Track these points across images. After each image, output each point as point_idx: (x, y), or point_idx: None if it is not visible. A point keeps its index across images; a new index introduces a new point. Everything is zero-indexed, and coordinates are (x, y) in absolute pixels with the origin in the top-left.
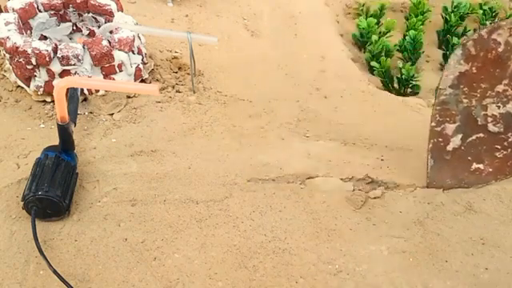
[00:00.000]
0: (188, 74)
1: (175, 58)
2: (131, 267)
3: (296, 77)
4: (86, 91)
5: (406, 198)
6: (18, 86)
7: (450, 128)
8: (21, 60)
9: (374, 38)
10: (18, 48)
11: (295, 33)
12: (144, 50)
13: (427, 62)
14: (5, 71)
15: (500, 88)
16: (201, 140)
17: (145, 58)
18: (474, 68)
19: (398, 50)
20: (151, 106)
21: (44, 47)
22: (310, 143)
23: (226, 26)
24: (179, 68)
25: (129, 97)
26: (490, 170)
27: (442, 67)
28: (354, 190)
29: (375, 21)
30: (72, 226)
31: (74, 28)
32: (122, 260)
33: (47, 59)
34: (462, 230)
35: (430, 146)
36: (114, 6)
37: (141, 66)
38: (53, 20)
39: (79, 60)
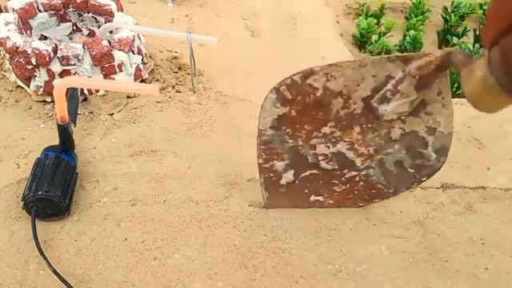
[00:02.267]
0: (188, 73)
1: (175, 57)
2: (131, 267)
3: None
4: (85, 91)
5: (405, 198)
6: (18, 86)
7: (279, 165)
8: (21, 60)
9: (374, 37)
10: (17, 48)
11: (295, 33)
12: (144, 50)
13: None
14: (5, 71)
15: (327, 130)
16: (201, 140)
17: (145, 58)
18: (293, 111)
19: (398, 49)
20: (151, 106)
21: (44, 47)
22: None
23: (226, 26)
24: (179, 68)
25: (129, 97)
26: (331, 201)
27: None
28: None
29: (375, 21)
30: (72, 225)
31: (74, 28)
32: (122, 260)
33: (47, 59)
34: (461, 230)
35: (262, 180)
36: (113, 6)
37: (141, 66)
38: (53, 20)
39: (79, 60)
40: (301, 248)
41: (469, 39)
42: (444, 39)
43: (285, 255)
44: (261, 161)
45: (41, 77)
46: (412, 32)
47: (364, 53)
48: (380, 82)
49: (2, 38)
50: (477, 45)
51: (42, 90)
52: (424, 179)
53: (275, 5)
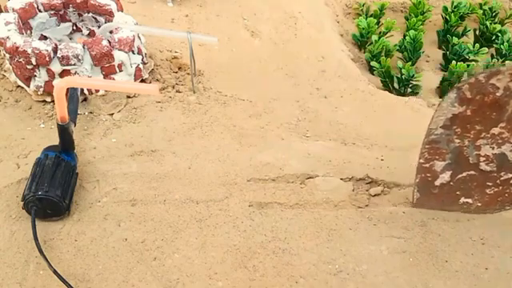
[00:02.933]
0: (188, 73)
1: (175, 57)
2: (131, 267)
3: (296, 77)
4: (85, 91)
5: (405, 198)
6: (18, 86)
7: (439, 165)
8: (21, 60)
9: (374, 37)
10: (17, 48)
11: (295, 33)
12: (144, 50)
13: (427, 61)
14: (5, 71)
15: (496, 130)
16: (201, 140)
17: (145, 58)
18: (468, 110)
19: (397, 49)
20: (151, 106)
21: (44, 47)
22: (310, 143)
23: (226, 25)
24: (179, 68)
25: (129, 97)
26: (479, 204)
27: (442, 67)
28: (353, 190)
29: (375, 21)
30: (72, 226)
31: (74, 28)
32: (122, 260)
33: (47, 59)
34: (462, 230)
35: (417, 180)
36: (114, 6)
37: (141, 66)
38: (53, 20)
39: (79, 60)
40: (301, 248)
41: (469, 39)
42: (444, 39)
43: (285, 255)
44: (422, 160)
45: (41, 77)
46: (412, 32)
47: (364, 53)
48: None
49: (2, 38)
50: (477, 45)
51: (41, 89)
52: None
53: (275, 5)
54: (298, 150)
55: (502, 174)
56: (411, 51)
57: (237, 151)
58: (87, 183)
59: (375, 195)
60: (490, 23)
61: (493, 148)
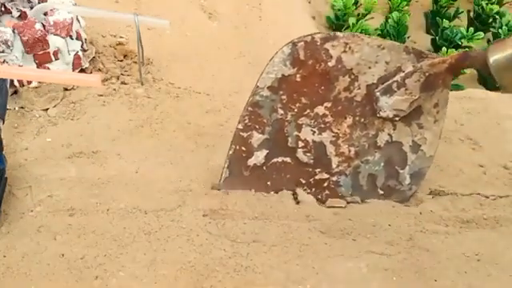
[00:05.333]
0: (135, 62)
1: (120, 44)
2: (69, 287)
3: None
4: (16, 82)
5: (391, 206)
6: None
7: (256, 138)
8: None
9: (352, 20)
10: None
11: (259, 15)
12: (84, 35)
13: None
14: None
15: (320, 110)
16: (150, 139)
17: (85, 45)
18: (298, 75)
19: (379, 34)
20: (92, 100)
21: None
22: None
23: (179, 6)
24: (125, 56)
25: (66, 89)
26: None
27: None
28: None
29: (353, 1)
30: (0, 239)
31: (3, 9)
32: (59, 279)
33: None
34: (453, 244)
35: (231, 152)
36: None
37: (80, 54)
38: None
39: (8, 46)
40: (266, 265)
41: (461, 22)
42: (433, 22)
43: (248, 274)
44: (240, 126)
45: None
46: (395, 14)
47: None
48: (390, 71)
49: None
50: (471, 29)
51: None
52: None
53: None
54: None
55: (318, 171)
56: (395, 36)
57: (192, 152)
58: (18, 190)
59: (355, 201)
60: (487, 4)
61: (313, 133)
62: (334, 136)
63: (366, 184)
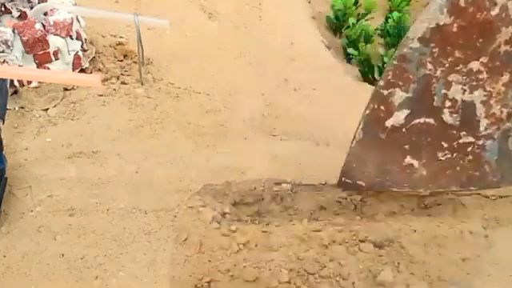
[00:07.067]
0: (135, 62)
1: (120, 44)
2: (69, 287)
3: (261, 66)
4: (16, 83)
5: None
6: None
7: (398, 96)
8: None
9: (352, 20)
10: None
11: (259, 14)
12: (84, 35)
13: None
14: None
15: (475, 66)
16: (150, 139)
17: (85, 45)
18: (455, 25)
19: (379, 34)
20: (92, 100)
21: None
22: (277, 143)
23: (179, 6)
24: (125, 56)
25: (66, 89)
26: (424, 173)
27: None
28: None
29: (353, 1)
30: (0, 239)
31: (3, 9)
32: (59, 279)
33: None
34: None
35: (367, 112)
36: None
37: (80, 54)
38: None
39: (8, 46)
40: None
41: None
42: None
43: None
44: (382, 83)
45: None
46: (396, 14)
47: (340, 38)
48: None
49: None
50: None
51: None
52: None
53: None
54: (262, 151)
55: (463, 134)
56: (395, 36)
57: (192, 152)
58: (18, 190)
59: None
60: None
61: (464, 91)
62: (486, 95)
63: None
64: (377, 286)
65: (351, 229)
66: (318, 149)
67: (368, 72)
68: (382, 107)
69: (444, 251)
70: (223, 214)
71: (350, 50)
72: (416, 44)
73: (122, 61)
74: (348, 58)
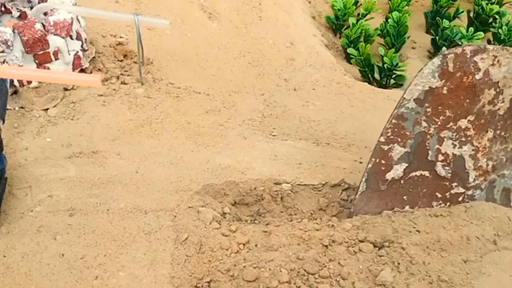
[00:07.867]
0: (135, 62)
1: (120, 44)
2: (69, 287)
3: (260, 66)
4: (16, 82)
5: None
6: None
7: (397, 151)
8: None
9: (352, 20)
10: None
11: (259, 14)
12: (84, 35)
13: (413, 48)
14: None
15: (463, 124)
16: (150, 139)
17: (85, 44)
18: (445, 88)
19: (379, 34)
20: (92, 100)
21: None
22: (277, 143)
23: (179, 6)
24: (125, 56)
25: (66, 89)
26: None
27: (430, 54)
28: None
29: (353, 1)
30: (0, 239)
31: (3, 9)
32: (59, 279)
33: None
34: None
35: (370, 166)
36: None
37: (80, 54)
38: None
39: (8, 46)
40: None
41: (462, 22)
42: (433, 22)
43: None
44: (382, 139)
45: None
46: (396, 14)
47: (340, 38)
48: None
49: None
50: (471, 28)
51: None
52: None
53: None
54: (262, 151)
55: (454, 185)
56: (395, 36)
57: (192, 152)
58: (18, 190)
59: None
60: (487, 4)
61: (454, 146)
62: (473, 149)
63: (500, 198)
64: (377, 286)
65: (351, 229)
66: (318, 148)
67: (368, 72)
68: (383, 161)
69: (445, 252)
70: (223, 214)
71: (350, 50)
72: (412, 104)
73: (122, 61)
74: (348, 58)
